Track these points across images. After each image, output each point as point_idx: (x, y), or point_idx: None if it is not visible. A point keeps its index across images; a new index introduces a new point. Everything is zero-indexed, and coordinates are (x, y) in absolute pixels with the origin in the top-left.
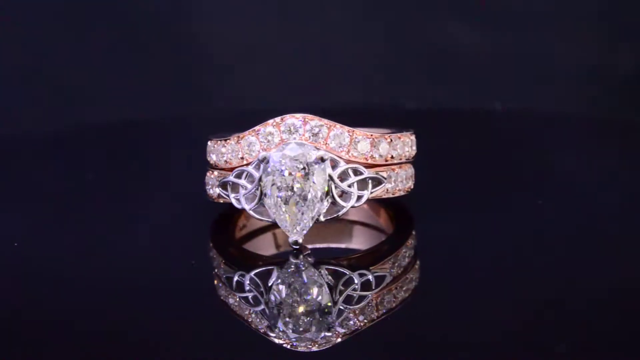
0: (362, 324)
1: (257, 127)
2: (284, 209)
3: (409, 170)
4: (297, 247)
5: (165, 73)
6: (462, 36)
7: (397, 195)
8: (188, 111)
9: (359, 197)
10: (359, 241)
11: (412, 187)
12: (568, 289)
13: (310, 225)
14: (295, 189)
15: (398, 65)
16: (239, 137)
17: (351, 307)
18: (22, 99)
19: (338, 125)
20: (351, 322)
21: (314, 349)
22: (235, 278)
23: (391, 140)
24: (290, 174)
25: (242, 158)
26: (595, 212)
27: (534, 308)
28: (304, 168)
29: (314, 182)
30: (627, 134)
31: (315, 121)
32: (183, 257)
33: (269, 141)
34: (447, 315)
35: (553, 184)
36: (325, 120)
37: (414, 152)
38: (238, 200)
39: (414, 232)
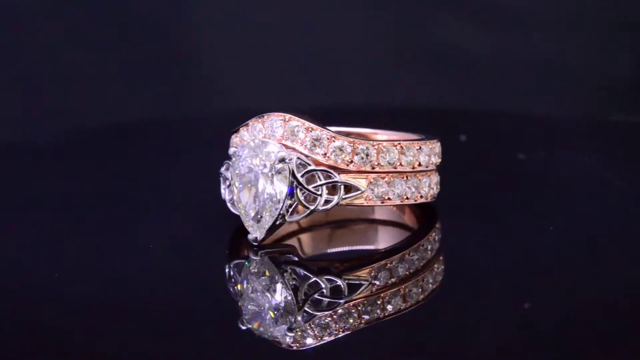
0: (340, 330)
1: (249, 122)
2: (244, 205)
3: (416, 180)
4: (256, 244)
5: (166, 75)
6: (462, 36)
7: (387, 204)
8: (190, 112)
9: (327, 201)
10: (386, 241)
11: (419, 199)
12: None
13: (271, 223)
14: (256, 187)
15: (399, 65)
16: (238, 130)
17: (321, 312)
18: (22, 104)
19: (318, 128)
20: (327, 329)
21: (295, 347)
22: (227, 269)
23: (380, 149)
24: (251, 171)
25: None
26: (602, 213)
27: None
28: (265, 166)
29: (273, 181)
30: (628, 135)
31: (294, 122)
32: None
33: (255, 137)
34: (441, 331)
35: (555, 185)
36: (306, 122)
37: (421, 161)
38: (224, 191)
39: (435, 231)
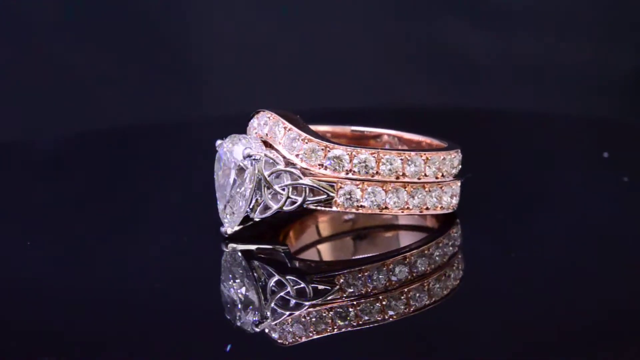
0: (312, 334)
1: (251, 116)
2: (217, 198)
3: (402, 191)
4: (226, 236)
5: (165, 78)
6: (461, 36)
7: (361, 212)
8: (190, 115)
9: (293, 202)
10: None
11: (407, 210)
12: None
13: (240, 219)
14: (227, 182)
15: (397, 65)
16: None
17: (287, 310)
18: (20, 107)
19: (295, 130)
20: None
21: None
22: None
23: (354, 155)
24: (225, 166)
25: None
26: (602, 214)
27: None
28: (236, 162)
29: (242, 178)
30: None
31: (276, 120)
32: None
33: (250, 133)
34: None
35: (554, 186)
36: (286, 122)
37: (406, 172)
38: None
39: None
